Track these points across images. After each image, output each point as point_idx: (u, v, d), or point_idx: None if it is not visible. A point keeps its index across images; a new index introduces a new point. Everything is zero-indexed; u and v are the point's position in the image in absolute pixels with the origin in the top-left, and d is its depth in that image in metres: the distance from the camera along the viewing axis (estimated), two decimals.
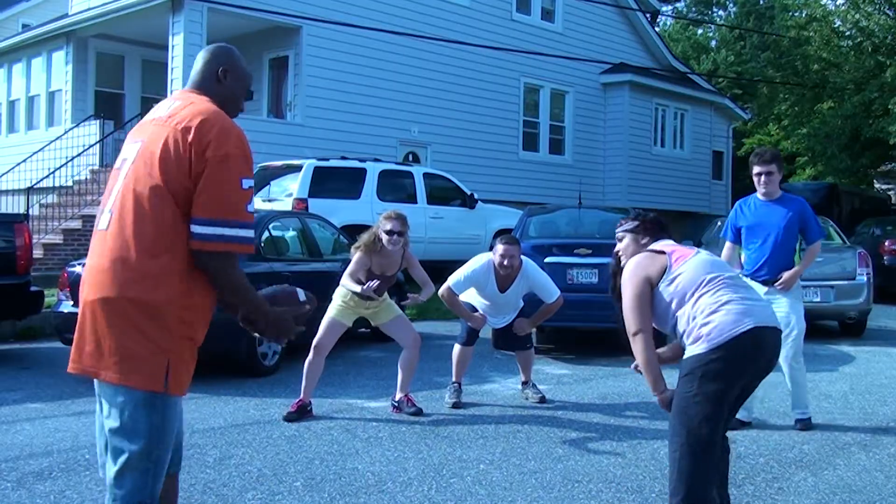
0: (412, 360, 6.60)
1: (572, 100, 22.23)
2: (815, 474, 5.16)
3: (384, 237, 6.36)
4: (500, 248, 6.72)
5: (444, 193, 15.16)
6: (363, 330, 8.70)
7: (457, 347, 7.13)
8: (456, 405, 6.79)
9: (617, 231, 4.25)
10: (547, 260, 9.14)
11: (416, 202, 14.49)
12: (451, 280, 6.81)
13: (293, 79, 17.43)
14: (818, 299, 10.73)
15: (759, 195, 6.44)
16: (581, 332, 10.46)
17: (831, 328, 12.00)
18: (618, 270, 4.08)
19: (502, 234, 14.40)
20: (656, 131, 23.76)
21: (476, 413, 6.59)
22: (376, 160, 14.55)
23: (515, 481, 4.90)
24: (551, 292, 6.87)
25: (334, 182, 13.45)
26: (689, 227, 20.00)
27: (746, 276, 6.24)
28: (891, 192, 33.68)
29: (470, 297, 7.04)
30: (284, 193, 13.13)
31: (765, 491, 4.82)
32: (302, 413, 6.33)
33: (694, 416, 3.52)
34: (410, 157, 18.80)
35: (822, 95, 25.62)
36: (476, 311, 7.00)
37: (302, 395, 6.41)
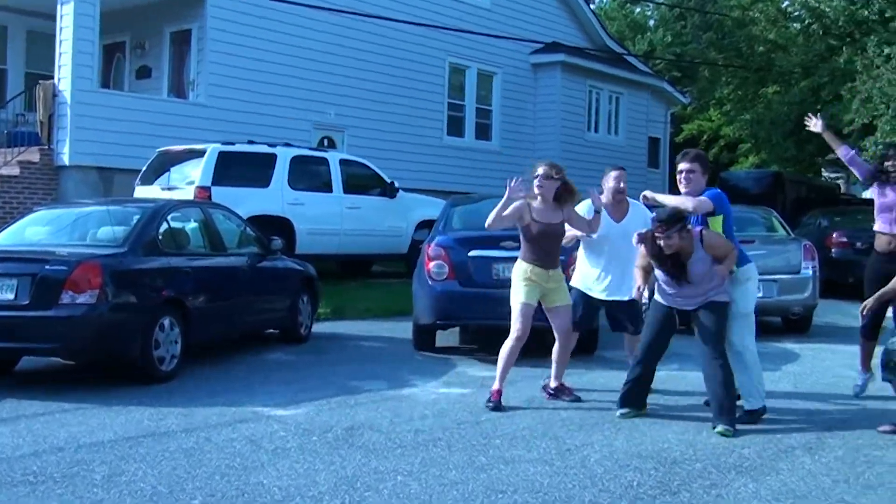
0: (562, 351, 7.33)
1: (500, 81, 22.34)
2: (756, 480, 5.25)
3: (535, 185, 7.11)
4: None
5: (362, 182, 15.09)
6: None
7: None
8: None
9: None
10: (471, 253, 9.15)
11: (331, 191, 14.39)
12: None
13: (196, 54, 17.13)
14: (761, 294, 10.84)
15: (683, 194, 6.79)
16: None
17: (775, 325, 12.27)
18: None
19: (425, 225, 14.55)
20: (590, 116, 24.03)
21: (394, 420, 6.55)
22: (287, 145, 14.40)
23: (435, 493, 4.88)
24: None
25: (241, 169, 13.27)
26: None
27: None
28: (839, 181, 34.63)
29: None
30: (185, 181, 12.92)
31: (702, 499, 4.89)
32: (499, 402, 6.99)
33: None
34: (325, 142, 18.66)
35: (767, 79, 26.14)
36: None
37: (498, 383, 7.11)
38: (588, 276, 7.58)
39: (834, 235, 16.16)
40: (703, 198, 6.61)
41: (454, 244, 9.29)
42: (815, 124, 8.06)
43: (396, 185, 15.42)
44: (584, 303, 7.56)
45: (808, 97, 22.67)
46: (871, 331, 7.81)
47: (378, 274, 16.73)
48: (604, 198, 7.45)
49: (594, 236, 7.40)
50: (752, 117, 26.24)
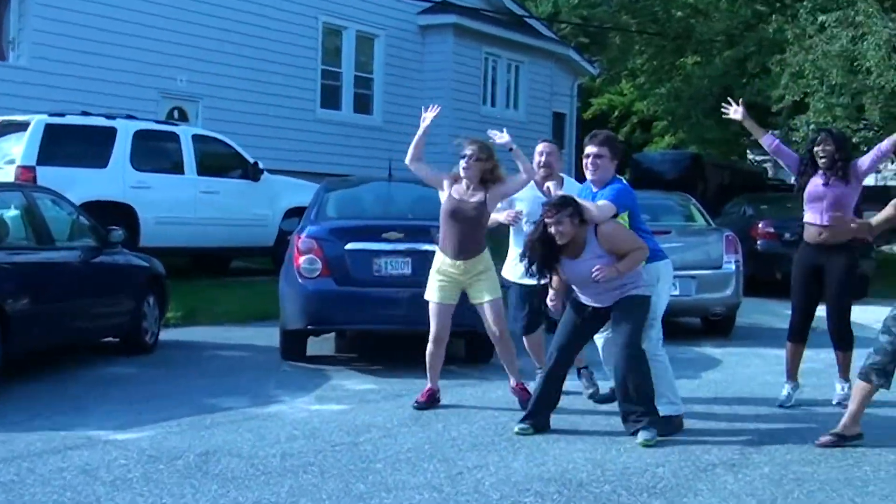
0: (504, 353, 7.63)
1: (383, 45, 22.33)
2: (671, 503, 5.36)
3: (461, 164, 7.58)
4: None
5: (219, 162, 14.96)
6: None
7: (524, 339, 7.94)
8: None
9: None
10: (349, 246, 9.13)
11: (182, 172, 14.18)
12: None
13: (18, 7, 16.61)
14: (677, 292, 11.11)
15: (589, 181, 7.03)
16: (391, 336, 10.49)
17: (693, 327, 12.58)
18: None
19: (295, 213, 14.45)
20: (486, 87, 24.22)
21: (257, 443, 6.48)
22: (130, 117, 14.10)
23: None
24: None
25: (73, 145, 12.98)
26: None
27: None
28: (766, 165, 35.71)
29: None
30: (4, 160, 12.57)
31: None
32: (432, 401, 7.59)
33: None
34: (176, 115, 18.37)
35: (686, 49, 26.67)
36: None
37: (430, 383, 7.64)
38: (519, 264, 7.67)
39: (759, 225, 16.65)
40: (605, 203, 6.75)
41: (329, 235, 9.24)
42: (734, 111, 8.25)
43: (261, 165, 15.28)
44: (524, 298, 7.78)
45: (732, 70, 23.19)
46: (799, 334, 8.08)
47: (239, 271, 16.54)
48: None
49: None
50: (668, 91, 26.67)
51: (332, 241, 9.21)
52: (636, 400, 6.69)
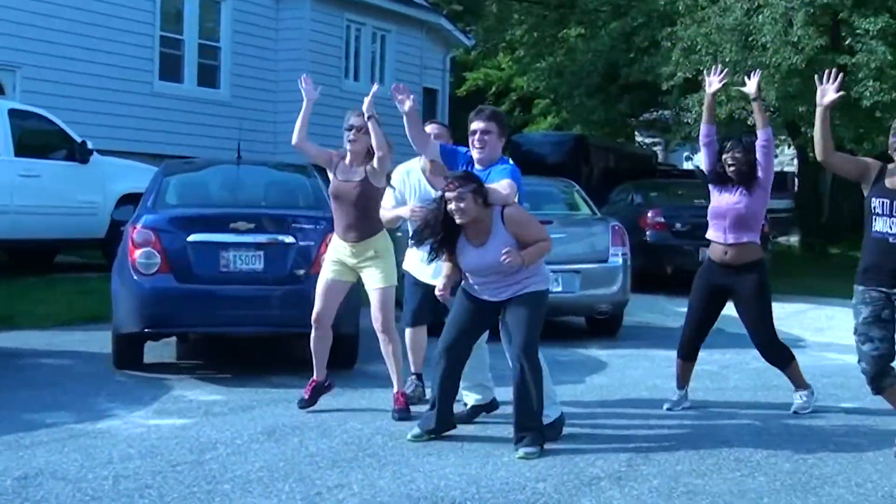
0: (387, 349, 7.82)
1: (231, 10, 22.07)
2: None
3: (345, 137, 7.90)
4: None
5: (41, 141, 14.67)
6: None
7: (407, 332, 8.08)
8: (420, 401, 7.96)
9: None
10: (192, 238, 9.03)
11: None
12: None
13: None
14: (559, 289, 11.33)
15: (474, 160, 7.11)
16: (241, 341, 10.41)
17: (576, 326, 12.78)
18: None
19: (130, 200, 14.21)
20: (348, 59, 24.14)
21: (85, 464, 6.36)
22: None
23: None
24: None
25: None
26: None
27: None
28: (657, 148, 36.40)
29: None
30: None
31: None
32: (318, 393, 7.93)
33: None
34: None
35: (569, 20, 27.00)
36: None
37: (315, 374, 7.91)
38: (418, 257, 7.83)
39: (649, 215, 16.95)
40: (509, 183, 6.84)
41: (168, 226, 9.12)
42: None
43: (90, 145, 14.97)
44: (418, 291, 7.92)
45: (619, 44, 23.54)
46: (690, 352, 8.34)
47: (65, 266, 16.20)
48: (421, 162, 7.92)
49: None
50: (550, 66, 26.96)
51: (173, 232, 9.08)
52: (524, 409, 6.79)
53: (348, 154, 7.87)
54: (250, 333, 9.64)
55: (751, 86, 8.34)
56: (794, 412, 8.15)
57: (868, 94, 17.13)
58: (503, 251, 6.60)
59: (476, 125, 7.06)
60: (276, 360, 10.01)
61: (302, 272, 9.05)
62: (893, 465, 6.62)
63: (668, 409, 8.21)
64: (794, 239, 26.52)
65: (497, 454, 6.70)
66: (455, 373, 7.10)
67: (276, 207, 9.76)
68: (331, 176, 7.95)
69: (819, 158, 7.09)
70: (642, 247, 15.66)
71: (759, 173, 8.00)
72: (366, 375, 9.27)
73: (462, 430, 7.35)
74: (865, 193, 6.87)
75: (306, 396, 7.95)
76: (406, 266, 8.16)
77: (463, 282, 7.05)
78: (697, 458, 6.72)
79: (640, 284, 14.31)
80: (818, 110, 7.00)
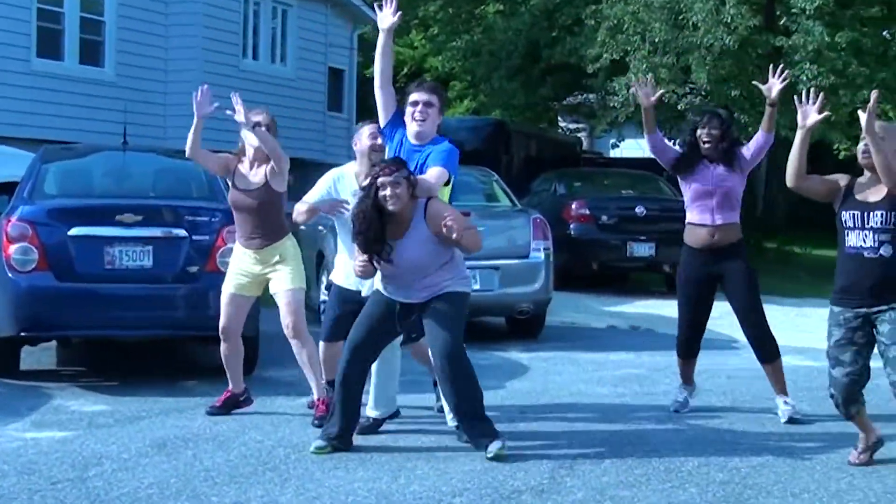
0: (301, 355, 7.86)
1: None
2: None
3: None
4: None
5: None
6: None
7: (321, 345, 8.00)
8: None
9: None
10: (73, 231, 8.95)
11: None
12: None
13: None
14: (477, 286, 11.31)
15: (409, 136, 7.17)
16: (128, 345, 10.30)
17: (495, 327, 12.82)
18: None
19: (2, 190, 13.95)
20: (246, 36, 23.97)
21: None
22: None
23: None
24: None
25: None
26: (299, 181, 20.38)
27: None
28: (582, 135, 36.60)
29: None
30: None
31: None
32: (230, 406, 8.00)
33: None
34: None
35: None
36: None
37: (231, 385, 8.01)
38: (348, 267, 7.71)
39: (573, 206, 17.01)
40: (439, 171, 6.97)
41: (47, 218, 9.01)
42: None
43: None
44: (340, 305, 7.86)
45: (541, 21, 23.60)
46: (690, 349, 8.43)
47: None
48: (356, 166, 7.90)
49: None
50: (466, 46, 26.98)
51: (52, 226, 8.97)
52: (472, 411, 6.93)
53: (251, 151, 7.91)
54: (138, 337, 9.55)
55: (773, 91, 8.14)
56: (790, 419, 8.11)
57: (805, 79, 17.38)
58: (446, 214, 6.63)
59: (419, 96, 7.11)
60: (167, 366, 9.92)
61: (195, 269, 8.98)
62: (831, 474, 6.73)
63: (675, 412, 8.34)
64: None
65: (409, 466, 6.70)
66: (361, 374, 7.10)
67: (166, 198, 9.66)
68: (229, 183, 8.01)
69: (790, 184, 6.92)
70: (566, 241, 15.71)
71: (745, 154, 8.15)
72: (266, 382, 9.22)
73: (371, 440, 7.35)
74: (836, 209, 6.85)
75: (217, 404, 8.00)
76: (333, 276, 8.11)
77: (378, 280, 7.06)
78: (625, 469, 6.77)
79: (564, 282, 14.40)
80: (799, 133, 6.83)
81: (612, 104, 20.30)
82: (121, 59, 21.79)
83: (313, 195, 7.88)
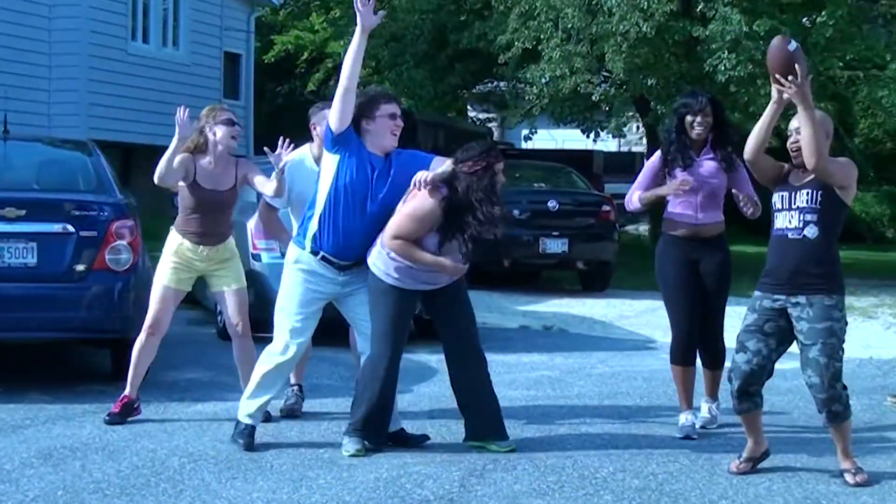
0: (248, 352, 7.99)
1: None
2: None
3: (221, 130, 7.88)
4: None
5: None
6: None
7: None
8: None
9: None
10: None
11: None
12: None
13: None
14: None
15: (377, 147, 7.35)
16: (10, 348, 10.18)
17: None
18: None
19: None
20: (135, 17, 23.77)
21: None
22: None
23: None
24: None
25: None
26: None
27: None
28: (492, 125, 36.73)
29: None
30: None
31: None
32: (127, 413, 7.89)
33: None
34: None
35: None
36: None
37: (128, 390, 7.92)
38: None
39: None
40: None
41: None
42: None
43: None
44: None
45: (448, 5, 23.59)
46: (687, 353, 8.06)
47: None
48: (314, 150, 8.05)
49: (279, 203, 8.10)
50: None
51: None
52: (493, 408, 7.48)
53: (219, 148, 7.97)
54: (21, 340, 9.41)
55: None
56: (702, 427, 8.10)
57: (723, 69, 17.59)
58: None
59: (396, 109, 7.39)
60: (52, 371, 9.81)
61: (83, 267, 8.86)
62: (749, 480, 6.84)
63: (683, 438, 7.89)
64: (643, 228, 27.14)
65: (311, 476, 6.70)
66: (395, 374, 7.52)
67: (52, 191, 9.52)
68: (188, 181, 7.94)
69: (749, 156, 6.86)
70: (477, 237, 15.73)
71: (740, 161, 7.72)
72: (159, 386, 9.14)
73: (270, 448, 7.34)
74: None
75: (116, 410, 7.95)
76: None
77: (388, 276, 7.19)
78: (538, 476, 6.84)
79: (474, 280, 14.41)
80: (771, 106, 6.70)
81: (526, 95, 20.36)
82: (1, 43, 21.50)
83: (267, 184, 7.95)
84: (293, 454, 7.23)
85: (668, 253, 8.05)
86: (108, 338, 8.80)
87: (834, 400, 6.67)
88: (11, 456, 7.04)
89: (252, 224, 10.74)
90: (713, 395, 8.28)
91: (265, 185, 7.84)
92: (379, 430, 7.33)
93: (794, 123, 6.75)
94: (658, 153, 8.11)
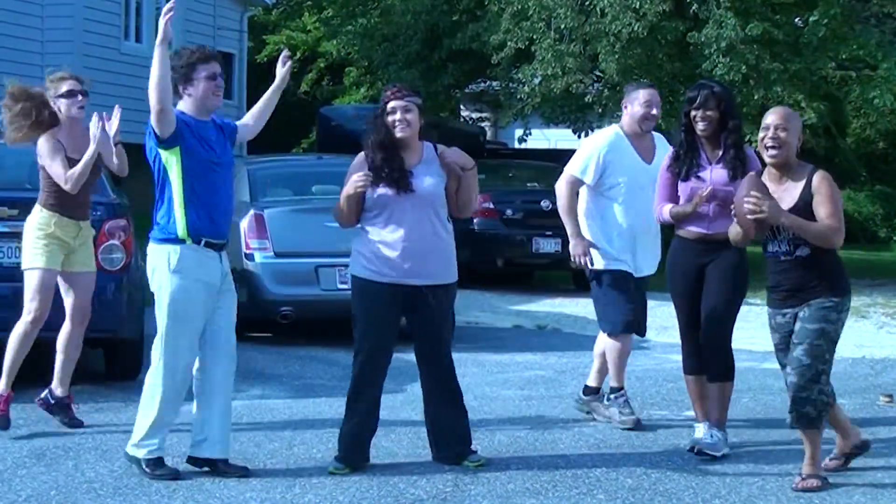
0: (76, 340, 7.85)
1: None
2: None
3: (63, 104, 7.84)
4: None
5: None
6: None
7: (610, 342, 8.14)
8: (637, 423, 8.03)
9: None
10: None
11: None
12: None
13: None
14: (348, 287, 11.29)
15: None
16: (2, 349, 10.16)
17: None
18: None
19: None
20: (129, 16, 23.74)
21: None
22: None
23: None
24: None
25: None
26: None
27: None
28: (485, 124, 36.64)
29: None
30: None
31: None
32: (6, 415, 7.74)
33: None
34: None
35: None
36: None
37: (3, 385, 7.80)
38: None
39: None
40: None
41: None
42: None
43: None
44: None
45: (442, 5, 23.56)
46: (699, 362, 7.58)
47: None
48: (626, 126, 8.14)
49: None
50: (361, 30, 26.88)
51: None
52: (465, 421, 7.24)
53: (70, 122, 8.03)
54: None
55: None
56: (695, 450, 7.35)
57: (717, 73, 17.52)
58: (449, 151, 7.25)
59: (216, 68, 7.06)
60: (45, 371, 9.79)
61: None
62: (742, 479, 6.85)
63: (698, 453, 7.29)
64: None
65: (305, 476, 6.71)
66: (381, 382, 7.35)
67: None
68: (60, 159, 7.79)
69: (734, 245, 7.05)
70: (469, 237, 15.51)
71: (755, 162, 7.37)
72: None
73: (264, 450, 7.33)
74: None
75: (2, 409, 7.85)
76: None
77: (360, 267, 7.11)
78: (531, 475, 6.84)
79: (468, 279, 14.42)
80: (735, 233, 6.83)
81: (519, 95, 20.35)
82: None
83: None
84: (286, 454, 7.23)
85: (678, 260, 7.62)
86: (101, 337, 8.74)
87: (807, 402, 6.51)
88: (4, 456, 7.05)
89: (245, 224, 10.69)
90: (715, 416, 7.43)
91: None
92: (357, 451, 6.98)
93: (767, 119, 6.63)
94: (667, 157, 7.65)
